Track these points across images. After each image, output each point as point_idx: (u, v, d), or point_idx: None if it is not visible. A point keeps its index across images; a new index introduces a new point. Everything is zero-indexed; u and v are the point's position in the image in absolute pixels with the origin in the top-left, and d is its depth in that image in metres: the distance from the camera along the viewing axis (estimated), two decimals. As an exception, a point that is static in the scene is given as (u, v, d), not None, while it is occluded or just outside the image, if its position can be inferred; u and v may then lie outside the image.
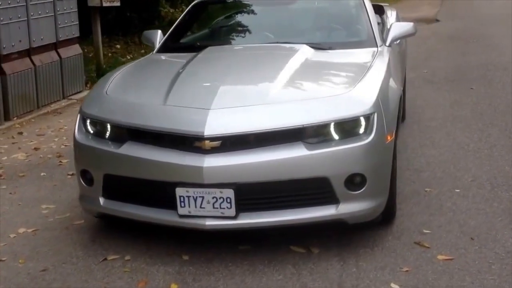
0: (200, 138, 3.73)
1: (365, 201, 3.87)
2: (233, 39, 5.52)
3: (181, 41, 5.62)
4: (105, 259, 4.05)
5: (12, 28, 7.66)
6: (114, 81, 4.48)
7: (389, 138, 3.96)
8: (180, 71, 4.45)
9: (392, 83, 4.35)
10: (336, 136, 3.82)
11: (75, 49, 9.00)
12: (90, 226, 4.53)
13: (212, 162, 3.72)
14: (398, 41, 5.31)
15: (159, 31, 5.58)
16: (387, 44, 5.09)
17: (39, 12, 8.14)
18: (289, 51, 4.82)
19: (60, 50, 8.64)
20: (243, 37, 5.52)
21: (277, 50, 4.98)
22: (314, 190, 3.82)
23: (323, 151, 3.76)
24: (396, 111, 4.19)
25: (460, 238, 4.17)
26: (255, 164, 3.72)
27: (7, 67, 7.53)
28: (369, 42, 5.02)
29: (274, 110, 3.86)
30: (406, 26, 5.23)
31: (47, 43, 8.35)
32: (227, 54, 5.05)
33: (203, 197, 3.74)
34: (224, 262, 3.93)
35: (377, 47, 4.96)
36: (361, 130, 3.84)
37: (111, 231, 4.38)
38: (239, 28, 5.61)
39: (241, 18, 5.77)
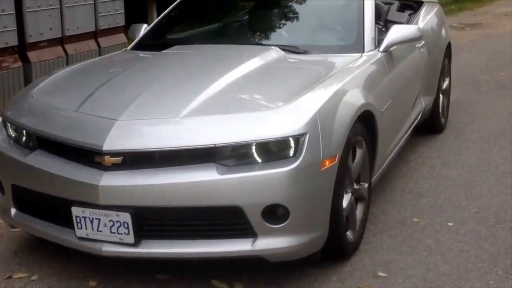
0: (99, 153, 3.25)
1: (288, 237, 3.27)
2: (207, 37, 4.97)
3: (168, 37, 5.11)
4: (10, 276, 3.67)
5: (41, 16, 7.46)
6: (48, 82, 4.08)
7: (327, 163, 3.32)
8: (118, 73, 3.98)
9: (352, 97, 3.67)
10: (259, 159, 3.23)
11: (119, 38, 8.73)
12: (24, 235, 4.15)
13: (110, 180, 3.24)
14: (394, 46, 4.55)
15: (145, 25, 5.13)
16: (381, 49, 4.38)
17: (75, 1, 7.88)
18: (251, 54, 4.23)
19: (100, 39, 8.41)
20: (218, 36, 4.95)
21: (238, 53, 4.40)
22: (227, 220, 3.25)
23: (235, 176, 3.18)
24: (347, 131, 3.50)
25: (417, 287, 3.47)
26: (158, 186, 3.20)
27: (33, 55, 7.36)
28: (354, 46, 4.35)
29: (186, 126, 3.32)
30: (407, 30, 4.50)
31: (84, 32, 8.09)
32: (180, 56, 4.51)
33: (99, 220, 3.28)
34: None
35: (362, 52, 4.27)
36: (290, 153, 3.22)
37: (40, 244, 3.98)
38: (219, 26, 5.04)
39: (226, 14, 5.19)
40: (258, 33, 4.80)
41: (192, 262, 3.56)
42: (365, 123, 3.86)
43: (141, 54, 4.69)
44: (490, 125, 6.43)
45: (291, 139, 3.23)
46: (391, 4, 5.96)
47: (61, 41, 7.86)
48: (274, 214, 3.23)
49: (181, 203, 3.21)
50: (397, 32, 4.45)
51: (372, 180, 4.16)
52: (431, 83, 5.69)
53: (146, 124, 3.36)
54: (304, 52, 4.34)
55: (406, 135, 5.09)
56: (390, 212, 4.42)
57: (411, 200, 4.63)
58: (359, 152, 3.81)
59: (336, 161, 3.38)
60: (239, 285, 3.52)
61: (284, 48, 4.34)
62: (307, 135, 3.24)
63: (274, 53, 4.23)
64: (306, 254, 3.41)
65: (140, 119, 3.38)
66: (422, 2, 6.33)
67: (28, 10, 7.30)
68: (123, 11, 8.81)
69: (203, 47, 4.67)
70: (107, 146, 3.24)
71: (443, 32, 6.08)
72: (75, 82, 4.10)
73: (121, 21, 8.81)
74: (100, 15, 8.36)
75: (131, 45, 4.93)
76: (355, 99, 3.70)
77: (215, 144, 3.20)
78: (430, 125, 6.06)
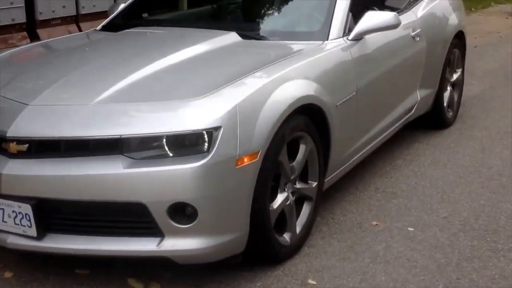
0: (3, 139, 3.10)
1: (198, 238, 3.06)
2: (172, 20, 4.75)
3: (134, 18, 4.91)
4: None
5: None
6: None
7: (245, 160, 3.08)
8: (57, 55, 3.82)
9: (291, 88, 3.39)
10: (170, 153, 3.01)
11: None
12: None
13: (14, 169, 3.09)
14: (371, 34, 4.21)
15: (122, 5, 4.95)
16: (351, 37, 4.07)
17: (93, -21, 7.81)
18: (202, 38, 4.01)
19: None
20: (184, 19, 4.73)
21: (191, 37, 4.16)
22: (132, 217, 3.06)
23: (140, 171, 2.98)
24: (275, 126, 3.24)
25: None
26: (61, 177, 3.04)
27: (43, 33, 7.34)
28: (318, 33, 4.05)
29: (95, 114, 3.14)
30: (382, 17, 4.15)
31: (102, 10, 8.00)
32: (128, 38, 4.32)
33: (3, 210, 3.13)
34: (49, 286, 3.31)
35: (325, 40, 3.96)
36: (203, 149, 2.99)
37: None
38: (187, 10, 4.81)
39: None
40: (223, 18, 4.55)
41: (112, 258, 3.37)
42: (313, 117, 3.57)
43: (99, 35, 4.54)
44: (504, 122, 5.99)
45: (204, 133, 2.99)
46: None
47: (76, 19, 7.78)
48: (182, 213, 3.02)
49: (85, 197, 3.03)
50: (370, 20, 4.13)
51: (326, 179, 3.86)
52: (431, 75, 5.30)
53: (56, 110, 3.19)
54: (262, 38, 4.06)
55: (390, 130, 4.76)
56: (351, 213, 4.13)
57: (380, 201, 4.32)
58: (302, 148, 3.54)
59: (258, 158, 3.13)
60: (156, 285, 3.32)
61: (243, 33, 4.06)
62: (221, 129, 2.99)
63: (229, 38, 3.98)
64: (221, 257, 3.18)
65: (51, 105, 3.21)
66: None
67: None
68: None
69: (161, 30, 4.45)
70: (12, 132, 3.09)
71: (453, 20, 5.65)
72: (12, 64, 3.96)
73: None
74: (118, -7, 8.22)
75: (100, 25, 4.76)
76: (294, 90, 3.41)
77: (121, 135, 3.00)
78: (432, 119, 5.66)
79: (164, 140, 3.01)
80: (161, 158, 3.03)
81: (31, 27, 7.48)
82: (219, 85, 3.23)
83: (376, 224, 3.97)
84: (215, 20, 4.60)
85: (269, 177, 3.26)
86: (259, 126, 3.15)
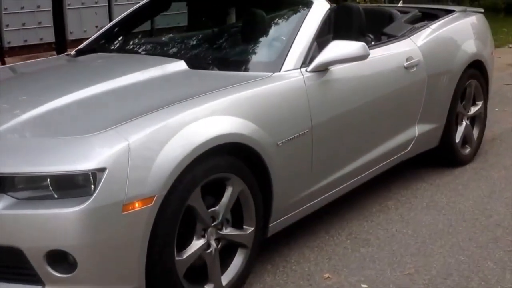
0: None
1: (79, 290, 2.75)
2: (130, 46, 4.45)
3: (100, 43, 4.69)
4: None
5: (85, 13, 7.37)
6: None
7: (136, 205, 2.77)
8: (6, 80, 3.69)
9: (208, 125, 3.06)
10: (55, 194, 2.75)
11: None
12: None
13: None
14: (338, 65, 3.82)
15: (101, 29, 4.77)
16: (310, 69, 3.69)
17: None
18: (144, 66, 3.75)
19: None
20: (141, 45, 4.44)
21: (133, 64, 3.90)
22: (11, 262, 2.81)
23: (17, 213, 2.75)
24: (179, 167, 2.91)
25: None
26: None
27: (74, 52, 7.29)
28: (269, 64, 3.70)
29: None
30: (348, 47, 3.75)
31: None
32: (72, 65, 4.11)
33: None
34: None
35: (276, 71, 3.61)
36: (89, 191, 2.72)
37: None
38: (148, 36, 4.55)
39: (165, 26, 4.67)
40: (180, 45, 4.26)
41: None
42: (246, 157, 3.23)
43: (62, 59, 4.40)
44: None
45: (89, 174, 2.71)
46: (408, 13, 5.16)
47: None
48: (61, 261, 2.74)
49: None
50: (333, 50, 3.74)
51: (271, 224, 3.50)
52: (435, 109, 4.82)
53: None
54: (210, 68, 3.74)
55: (372, 170, 4.32)
56: (308, 261, 3.74)
57: (347, 249, 3.89)
58: (228, 191, 3.20)
59: (153, 203, 2.81)
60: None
61: (193, 62, 3.77)
62: (106, 171, 2.70)
63: (174, 67, 3.71)
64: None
65: None
66: (452, 11, 5.43)
67: (69, 7, 7.22)
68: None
69: (115, 56, 4.22)
70: None
71: (467, 49, 5.14)
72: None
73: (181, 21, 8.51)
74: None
75: (76, 49, 4.58)
76: (213, 127, 3.08)
77: (3, 173, 2.76)
78: (441, 157, 5.15)
79: (49, 180, 2.74)
80: (46, 199, 2.77)
81: (62, 47, 7.45)
82: (122, 120, 2.94)
83: (328, 277, 3.56)
84: (172, 47, 4.31)
85: (172, 223, 2.94)
86: (157, 168, 2.83)
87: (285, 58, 3.69)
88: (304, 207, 3.73)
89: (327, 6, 4.05)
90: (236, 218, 3.34)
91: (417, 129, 4.71)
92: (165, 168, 2.85)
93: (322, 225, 4.17)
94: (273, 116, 3.39)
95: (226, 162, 3.14)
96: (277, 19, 4.19)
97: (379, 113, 4.25)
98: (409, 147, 4.67)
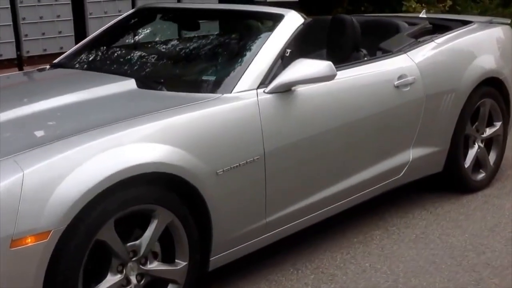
0: None
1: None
2: (92, 63, 4.23)
3: (67, 58, 4.49)
4: None
5: (107, 22, 7.26)
6: None
7: (28, 240, 2.58)
8: None
9: (121, 154, 2.83)
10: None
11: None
12: None
13: None
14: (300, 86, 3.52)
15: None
16: (268, 90, 3.42)
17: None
18: (91, 85, 3.55)
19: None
20: (102, 63, 4.20)
21: (83, 81, 3.71)
22: None
23: None
24: (82, 200, 2.69)
25: None
26: None
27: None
28: (221, 85, 3.43)
29: None
30: (312, 67, 3.44)
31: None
32: (26, 80, 3.94)
33: None
34: None
35: (226, 93, 3.35)
36: None
37: None
38: (111, 54, 4.33)
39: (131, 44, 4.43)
40: (137, 63, 4.03)
41: None
42: (178, 186, 2.99)
43: (34, 73, 4.25)
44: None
45: None
46: (417, 25, 4.79)
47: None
48: None
49: None
50: (296, 70, 3.45)
51: (212, 258, 3.25)
52: (436, 131, 4.43)
53: None
54: (159, 88, 3.50)
55: (352, 198, 3.99)
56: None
57: (308, 285, 3.58)
58: (152, 224, 2.96)
59: (48, 239, 2.60)
60: None
61: (143, 81, 3.55)
62: None
63: (122, 86, 3.50)
64: None
65: None
66: (470, 22, 5.01)
67: (90, 17, 7.16)
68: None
69: (70, 73, 4.05)
70: None
71: (479, 65, 4.70)
72: None
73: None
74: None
75: (52, 62, 4.44)
76: (132, 155, 2.84)
77: None
78: (447, 183, 4.75)
79: None
80: None
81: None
82: (29, 147, 2.74)
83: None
84: (130, 64, 4.08)
85: (76, 259, 2.72)
86: (56, 200, 2.62)
87: (239, 78, 3.40)
88: (256, 239, 3.45)
89: (300, 20, 3.74)
90: (170, 251, 3.08)
91: (412, 153, 4.33)
92: (64, 201, 2.64)
93: (291, 255, 3.88)
94: (212, 142, 3.13)
95: (149, 193, 2.91)
96: (240, 34, 3.90)
97: (361, 136, 3.91)
98: (402, 173, 4.30)
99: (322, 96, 3.67)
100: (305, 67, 3.44)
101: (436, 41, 4.56)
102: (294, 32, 3.69)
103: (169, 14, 4.39)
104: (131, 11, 4.49)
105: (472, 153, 4.81)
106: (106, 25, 4.49)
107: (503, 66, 4.91)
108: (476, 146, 4.83)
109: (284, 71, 3.45)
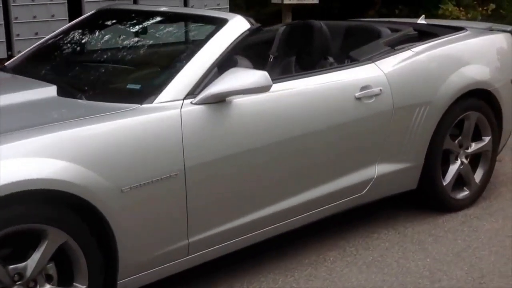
0: None
1: None
2: (32, 69, 4.01)
3: (15, 62, 4.29)
4: None
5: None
6: None
7: None
8: None
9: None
10: None
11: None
12: None
13: None
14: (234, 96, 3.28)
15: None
16: (196, 101, 3.20)
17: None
18: (11, 90, 3.37)
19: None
20: (40, 68, 3.97)
21: (4, 87, 3.52)
22: None
23: None
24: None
25: None
26: None
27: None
28: (142, 94, 3.22)
29: None
30: (246, 76, 3.20)
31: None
32: None
33: None
34: None
35: (147, 103, 3.13)
36: None
37: None
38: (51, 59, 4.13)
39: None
40: (67, 69, 3.84)
41: None
42: (76, 204, 2.80)
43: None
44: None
45: None
46: (398, 31, 4.50)
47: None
48: None
49: None
50: (227, 80, 3.21)
51: (121, 281, 3.05)
52: (406, 146, 4.13)
53: None
54: (79, 97, 3.30)
55: (304, 216, 3.74)
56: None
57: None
58: (41, 245, 2.78)
59: None
60: None
61: (65, 89, 3.37)
62: None
63: (40, 93, 3.32)
64: None
65: None
66: (462, 29, 4.66)
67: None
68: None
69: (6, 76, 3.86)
70: None
71: (466, 75, 4.36)
72: None
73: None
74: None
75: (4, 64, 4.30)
76: (10, 171, 2.65)
77: None
78: (422, 201, 4.44)
79: None
80: None
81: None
82: None
83: None
84: (59, 71, 3.88)
85: None
86: None
87: (164, 88, 3.18)
88: (177, 261, 3.23)
89: (245, 26, 3.49)
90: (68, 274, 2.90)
91: (377, 169, 4.03)
92: None
93: (231, 274, 3.66)
94: (118, 157, 2.92)
95: (38, 211, 2.73)
96: (180, 40, 3.66)
97: (311, 151, 3.64)
98: (366, 190, 4.00)
99: (262, 108, 3.42)
100: (238, 77, 3.21)
101: (413, 49, 4.23)
102: (237, 39, 3.44)
103: (121, 16, 4.17)
104: (91, 12, 4.27)
105: (453, 169, 4.48)
106: (65, 26, 4.30)
107: (494, 76, 4.55)
108: (458, 162, 4.50)
109: (215, 81, 3.22)
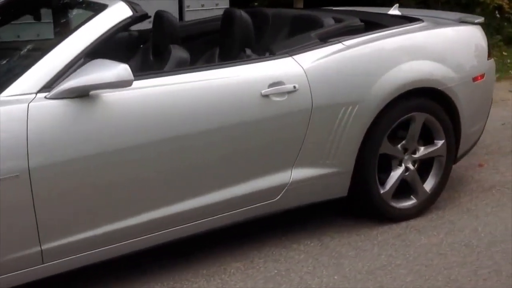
0: None
1: None
2: None
3: None
4: None
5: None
6: None
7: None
8: None
9: None
10: None
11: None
12: None
13: None
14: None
15: None
16: (50, 95, 2.94)
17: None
18: None
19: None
20: None
21: None
22: None
23: None
24: None
25: None
26: None
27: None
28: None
29: None
30: (105, 69, 2.93)
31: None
32: None
33: None
34: None
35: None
36: None
37: None
38: None
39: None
40: None
41: None
42: None
43: None
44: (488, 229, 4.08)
45: None
46: (341, 22, 4.12)
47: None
48: None
49: None
50: (82, 73, 2.93)
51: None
52: (330, 149, 3.75)
53: None
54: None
55: (195, 224, 3.45)
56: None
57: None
58: None
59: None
60: None
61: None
62: None
63: None
64: None
65: None
66: (418, 20, 4.24)
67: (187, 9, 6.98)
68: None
69: None
70: None
71: (410, 71, 3.93)
72: None
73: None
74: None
75: None
76: None
77: None
78: (357, 209, 4.08)
79: None
80: None
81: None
82: None
83: None
84: None
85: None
86: None
87: (15, 80, 2.92)
88: (29, 269, 2.98)
89: (126, 13, 3.20)
90: None
91: (293, 174, 3.66)
92: None
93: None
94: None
95: None
96: (56, 27, 3.38)
97: (199, 152, 3.33)
98: (279, 196, 3.65)
99: (135, 104, 3.12)
100: (96, 70, 2.92)
101: (344, 42, 3.83)
102: (114, 27, 3.15)
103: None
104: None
105: (394, 176, 4.05)
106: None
107: (447, 74, 4.09)
108: (402, 168, 4.07)
109: (73, 74, 2.93)
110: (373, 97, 3.79)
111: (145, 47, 4.43)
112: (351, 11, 4.87)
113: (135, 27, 3.58)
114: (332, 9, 5.10)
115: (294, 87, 3.54)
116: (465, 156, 4.49)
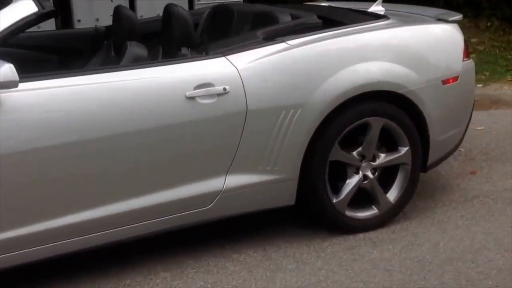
0: None
1: None
2: None
3: None
4: None
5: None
6: None
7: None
8: None
9: None
10: None
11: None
12: None
13: None
14: None
15: None
16: None
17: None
18: None
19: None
20: None
21: None
22: None
23: None
24: None
25: None
26: None
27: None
28: None
29: None
30: None
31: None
32: None
33: None
34: None
35: None
36: None
37: None
38: None
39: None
40: None
41: None
42: None
43: None
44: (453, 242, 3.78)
45: None
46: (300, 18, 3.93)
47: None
48: None
49: None
50: None
51: None
52: (269, 156, 3.54)
53: None
54: None
55: (106, 233, 3.31)
56: None
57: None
58: None
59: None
60: None
61: None
62: None
63: None
64: None
65: None
66: (383, 17, 4.01)
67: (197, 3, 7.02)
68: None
69: None
70: None
71: (361, 73, 3.67)
72: None
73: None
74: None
75: None
76: None
77: None
78: (309, 218, 3.87)
79: None
80: None
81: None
82: None
83: None
84: None
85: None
86: None
87: None
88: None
89: (30, 9, 3.10)
90: None
91: (227, 181, 3.47)
92: None
93: None
94: None
95: None
96: None
97: (116, 156, 3.19)
98: (212, 204, 3.48)
99: (37, 106, 2.99)
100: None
101: (288, 42, 3.61)
102: (15, 23, 3.04)
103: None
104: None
105: (350, 184, 3.80)
106: None
107: (410, 76, 3.81)
108: (359, 176, 3.81)
109: None
110: (317, 100, 3.55)
111: (108, 43, 4.33)
112: (313, 6, 4.64)
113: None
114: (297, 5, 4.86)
115: (224, 89, 3.35)
116: (462, 162, 4.19)
